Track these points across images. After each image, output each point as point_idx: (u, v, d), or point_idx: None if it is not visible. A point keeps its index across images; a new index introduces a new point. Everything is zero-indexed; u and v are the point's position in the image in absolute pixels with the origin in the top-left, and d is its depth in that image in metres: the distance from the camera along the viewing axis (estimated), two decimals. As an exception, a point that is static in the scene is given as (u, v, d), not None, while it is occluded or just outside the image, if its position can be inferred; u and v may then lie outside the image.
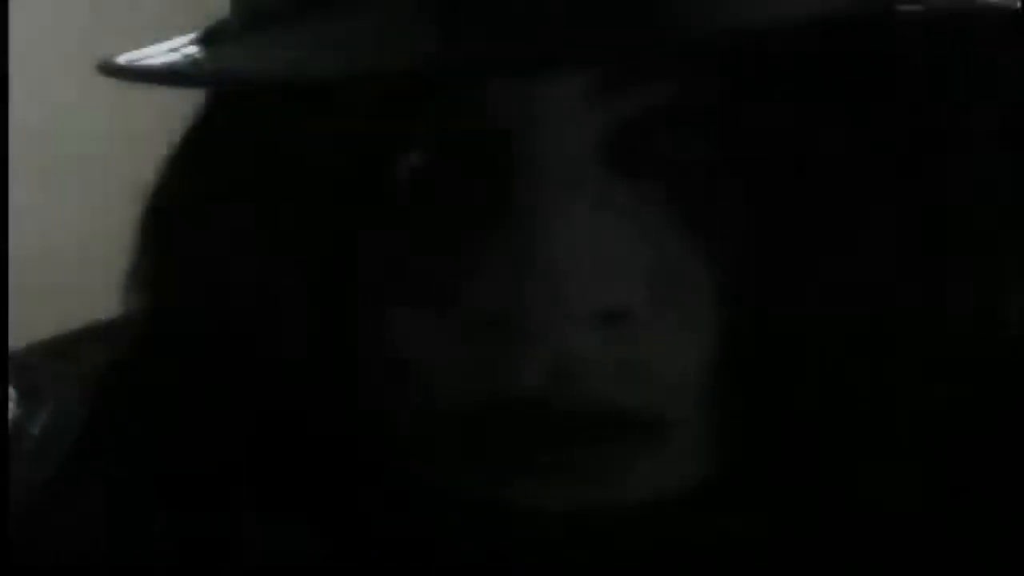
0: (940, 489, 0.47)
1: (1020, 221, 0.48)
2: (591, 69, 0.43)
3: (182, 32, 0.47)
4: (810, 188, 0.45)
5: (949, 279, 0.46)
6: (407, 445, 0.46)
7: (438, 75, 0.43)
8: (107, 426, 0.50)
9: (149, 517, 0.49)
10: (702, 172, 0.45)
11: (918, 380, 0.46)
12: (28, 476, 0.51)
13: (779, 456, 0.46)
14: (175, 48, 0.47)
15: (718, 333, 0.44)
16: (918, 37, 0.48)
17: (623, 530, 0.46)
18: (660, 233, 0.44)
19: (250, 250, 0.46)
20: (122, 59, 0.47)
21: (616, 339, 0.43)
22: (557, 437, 0.44)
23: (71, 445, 0.51)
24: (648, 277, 0.44)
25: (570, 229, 0.43)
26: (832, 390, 0.45)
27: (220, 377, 0.47)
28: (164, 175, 0.49)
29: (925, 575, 0.47)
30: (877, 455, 0.46)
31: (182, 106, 0.49)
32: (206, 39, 0.47)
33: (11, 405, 0.54)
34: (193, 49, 0.46)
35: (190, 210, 0.48)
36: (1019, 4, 0.70)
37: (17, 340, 0.56)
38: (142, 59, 0.47)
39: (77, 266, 1.60)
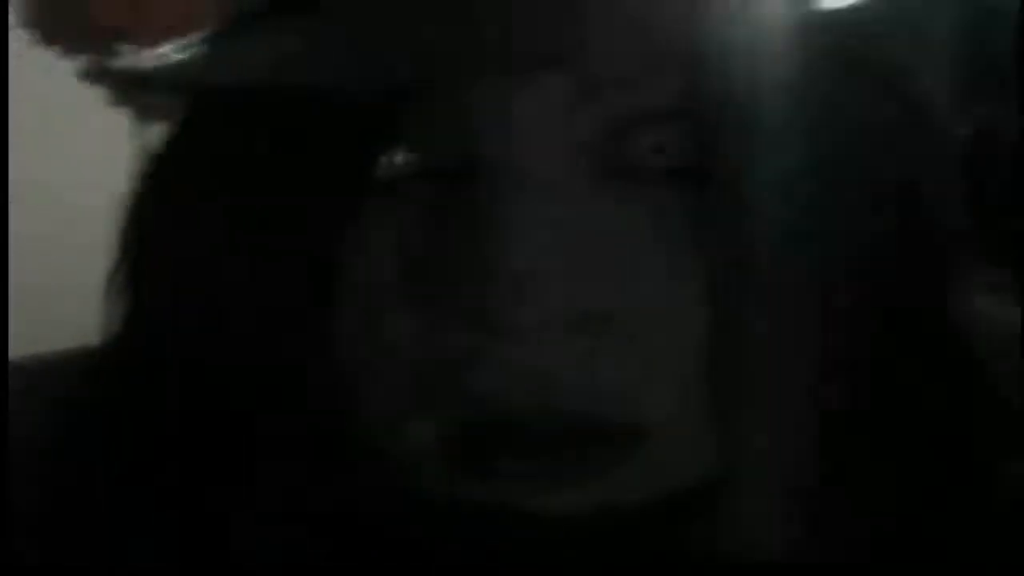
0: (916, 498, 0.47)
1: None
2: (569, 72, 0.43)
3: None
4: (791, 192, 0.44)
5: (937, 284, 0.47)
6: (390, 446, 0.46)
7: (416, 81, 0.43)
8: (96, 428, 0.50)
9: (145, 519, 0.49)
10: (681, 176, 0.44)
11: (901, 383, 0.46)
12: (28, 476, 0.51)
13: (763, 463, 0.45)
14: (164, 53, 0.47)
15: (698, 337, 0.44)
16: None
17: (607, 535, 0.45)
18: (639, 237, 0.44)
19: (228, 252, 0.46)
20: (112, 64, 0.47)
21: (594, 341, 0.43)
22: (534, 441, 0.44)
23: (66, 448, 0.51)
24: (626, 281, 0.43)
25: (547, 232, 0.42)
26: (815, 395, 0.45)
27: (203, 379, 0.47)
28: (143, 178, 0.49)
29: None
30: (860, 462, 0.46)
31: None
32: (194, 44, 0.47)
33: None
34: (179, 54, 0.46)
35: (169, 213, 0.48)
36: (1019, 4, 0.70)
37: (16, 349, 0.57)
38: (131, 64, 0.47)
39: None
